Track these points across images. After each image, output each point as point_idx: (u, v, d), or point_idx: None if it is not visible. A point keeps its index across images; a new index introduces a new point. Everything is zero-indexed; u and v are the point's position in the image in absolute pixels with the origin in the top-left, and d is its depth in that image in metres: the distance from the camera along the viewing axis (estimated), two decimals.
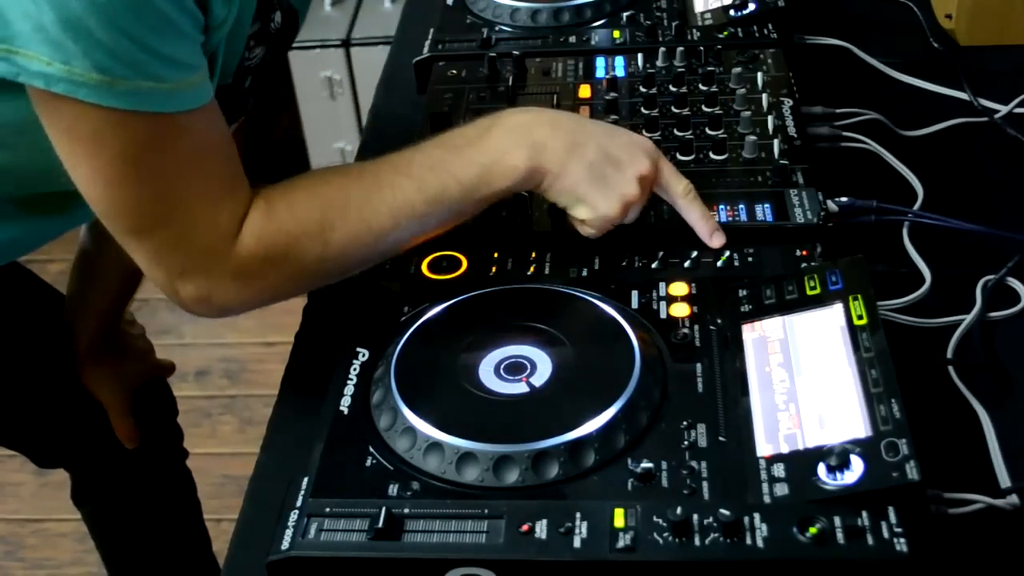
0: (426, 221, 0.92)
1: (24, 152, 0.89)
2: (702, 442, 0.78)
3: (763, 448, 0.77)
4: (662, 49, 1.24)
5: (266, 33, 0.99)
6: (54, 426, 1.29)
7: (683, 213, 0.97)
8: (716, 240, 0.96)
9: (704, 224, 0.96)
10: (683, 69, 1.21)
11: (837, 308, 0.85)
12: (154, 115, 0.81)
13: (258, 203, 0.89)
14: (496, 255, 0.98)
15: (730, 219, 1.00)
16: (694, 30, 1.30)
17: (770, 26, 1.29)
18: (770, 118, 1.11)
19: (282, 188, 0.91)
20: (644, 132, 1.11)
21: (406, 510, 0.74)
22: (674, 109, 1.15)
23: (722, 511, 0.71)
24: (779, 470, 0.75)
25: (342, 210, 0.89)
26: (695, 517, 0.72)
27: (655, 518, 0.72)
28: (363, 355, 0.88)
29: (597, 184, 0.93)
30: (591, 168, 0.92)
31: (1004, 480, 0.85)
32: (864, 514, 0.71)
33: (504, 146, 0.92)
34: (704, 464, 0.76)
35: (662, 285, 0.92)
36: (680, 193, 0.96)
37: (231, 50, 0.93)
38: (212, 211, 0.87)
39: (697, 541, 0.71)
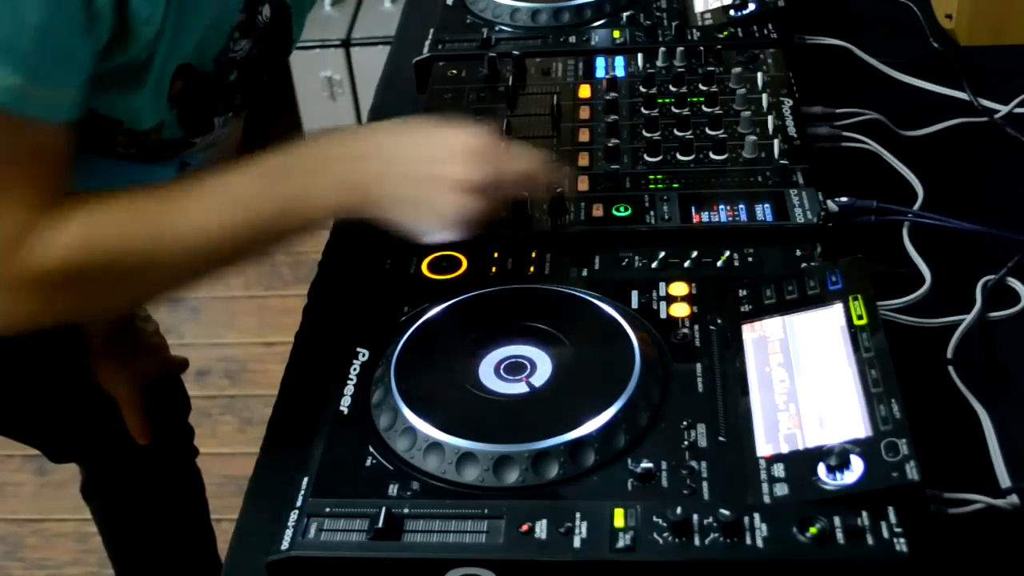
0: (230, 252, 0.89)
1: None
2: (702, 442, 0.78)
3: (763, 448, 0.77)
4: (662, 49, 1.24)
5: (252, 26, 0.98)
6: (68, 421, 1.29)
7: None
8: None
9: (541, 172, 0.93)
10: (683, 69, 1.21)
11: (837, 308, 0.85)
12: None
13: (60, 219, 0.86)
14: (496, 255, 0.98)
15: (730, 219, 1.00)
16: (694, 30, 1.30)
17: (770, 26, 1.29)
18: (770, 118, 1.11)
19: (87, 207, 0.88)
20: (644, 132, 1.12)
21: (406, 510, 0.74)
22: (674, 109, 1.15)
23: (722, 511, 0.71)
24: (779, 470, 0.75)
25: (147, 235, 0.87)
26: (695, 517, 0.72)
27: (655, 518, 0.72)
28: (363, 355, 0.88)
29: (416, 210, 0.88)
30: (404, 196, 0.88)
31: (1004, 480, 0.85)
32: (864, 514, 0.71)
33: (312, 181, 0.88)
34: (704, 464, 0.76)
35: (662, 285, 0.92)
36: (526, 174, 0.92)
37: (210, 38, 0.92)
38: (9, 221, 0.85)
39: (697, 541, 0.71)
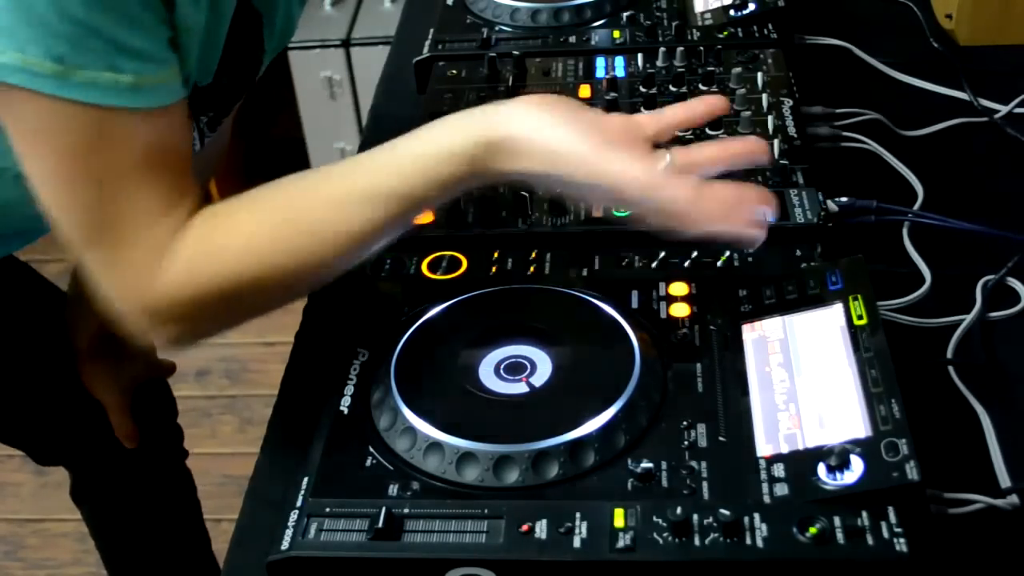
0: (373, 230, 0.83)
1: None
2: (702, 442, 0.78)
3: (763, 448, 0.77)
4: (662, 49, 1.23)
5: None
6: (53, 424, 1.29)
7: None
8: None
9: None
10: (683, 69, 1.21)
11: (837, 308, 0.85)
12: (109, 109, 0.76)
13: (194, 224, 0.82)
14: (496, 255, 0.98)
15: None
16: (694, 30, 1.30)
17: (770, 26, 1.29)
18: (770, 118, 1.11)
19: (224, 208, 0.84)
20: None
21: (406, 510, 0.74)
22: None
23: (722, 511, 0.71)
24: (779, 470, 0.75)
25: (289, 229, 0.83)
26: (695, 517, 0.72)
27: (655, 518, 0.72)
28: (363, 355, 0.88)
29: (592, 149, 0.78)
30: (561, 136, 0.78)
31: (1004, 480, 0.85)
32: (864, 514, 0.71)
33: (446, 133, 0.83)
34: (704, 464, 0.76)
35: (662, 285, 0.92)
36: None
37: (211, 46, 0.91)
38: (153, 223, 0.80)
39: (697, 541, 0.71)
